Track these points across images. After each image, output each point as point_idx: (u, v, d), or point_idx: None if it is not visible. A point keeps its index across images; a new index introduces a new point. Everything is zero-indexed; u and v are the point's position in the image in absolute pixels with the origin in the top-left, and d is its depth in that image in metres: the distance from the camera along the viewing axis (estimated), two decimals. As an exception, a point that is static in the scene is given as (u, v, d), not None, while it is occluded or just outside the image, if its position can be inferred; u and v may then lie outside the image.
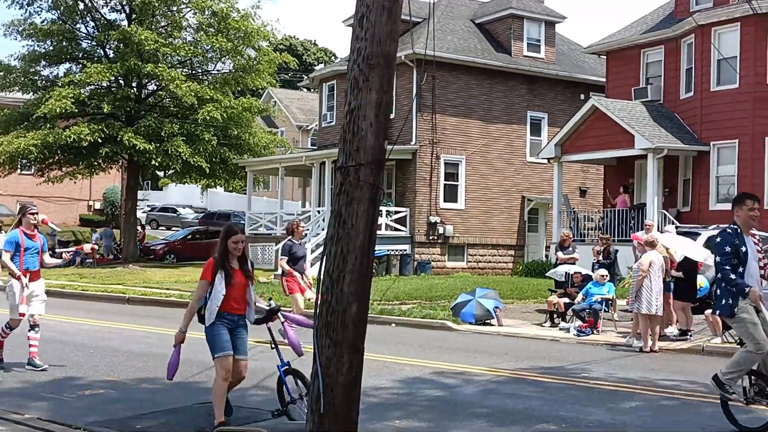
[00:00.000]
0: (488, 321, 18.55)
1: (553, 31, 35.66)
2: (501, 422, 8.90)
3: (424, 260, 31.55)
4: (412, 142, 31.65)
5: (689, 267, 16.59)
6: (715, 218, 24.50)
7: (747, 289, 8.06)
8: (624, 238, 24.84)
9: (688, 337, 16.24)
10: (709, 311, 15.76)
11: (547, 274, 22.10)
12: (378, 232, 21.70)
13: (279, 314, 8.48)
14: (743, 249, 8.18)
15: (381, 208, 30.37)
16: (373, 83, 5.30)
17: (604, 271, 18.09)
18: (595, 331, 17.21)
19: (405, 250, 31.33)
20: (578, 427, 8.71)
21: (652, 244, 15.53)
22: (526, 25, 34.73)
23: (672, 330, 16.67)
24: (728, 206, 25.56)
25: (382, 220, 30.27)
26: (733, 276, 8.08)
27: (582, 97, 33.36)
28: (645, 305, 15.02)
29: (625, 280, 21.46)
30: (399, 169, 32.36)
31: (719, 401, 8.59)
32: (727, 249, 8.18)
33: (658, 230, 19.67)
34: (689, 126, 27.02)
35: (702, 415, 9.50)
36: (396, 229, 31.15)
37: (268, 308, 8.42)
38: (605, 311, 17.84)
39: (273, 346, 8.42)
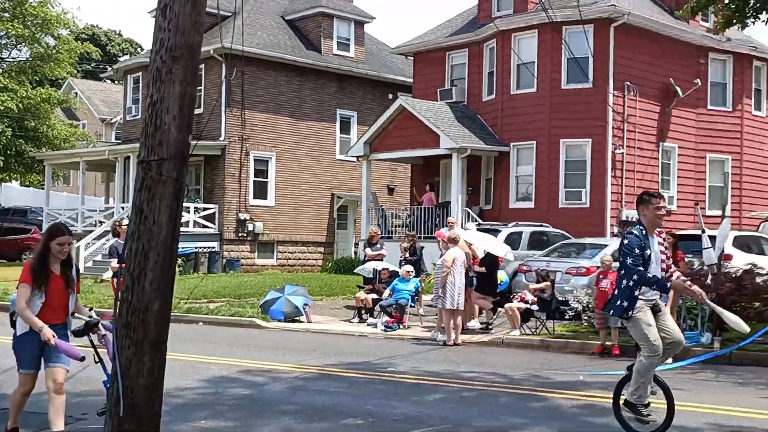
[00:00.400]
0: (297, 318, 18.56)
1: (362, 31, 36.12)
2: (309, 418, 8.90)
3: (233, 258, 31.14)
4: (221, 138, 31.15)
5: (491, 262, 17.25)
6: (514, 216, 25.67)
7: (669, 284, 7.90)
8: (430, 235, 25.52)
9: (490, 329, 16.89)
10: (509, 305, 16.48)
11: (355, 271, 22.39)
12: (186, 229, 21.29)
13: (99, 326, 7.66)
14: (647, 252, 7.87)
15: (189, 204, 29.73)
16: (177, 75, 5.14)
17: (410, 268, 18.50)
18: (401, 326, 17.57)
19: (213, 248, 30.80)
20: (384, 420, 8.85)
21: (454, 241, 16.03)
22: (336, 23, 35.00)
23: (474, 323, 17.30)
24: (527, 204, 26.99)
25: (190, 217, 29.63)
26: (650, 275, 7.76)
27: (390, 96, 34.00)
28: (449, 300, 15.47)
29: (431, 276, 22.06)
30: (207, 165, 31.78)
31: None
32: (637, 251, 7.81)
33: (461, 227, 20.37)
34: (491, 127, 28.14)
35: (499, 405, 9.89)
36: (204, 226, 30.56)
37: (87, 320, 7.63)
38: (411, 306, 18.27)
39: (97, 359, 7.57)
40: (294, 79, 33.18)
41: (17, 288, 7.32)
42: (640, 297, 7.87)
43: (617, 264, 8.83)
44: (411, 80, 32.89)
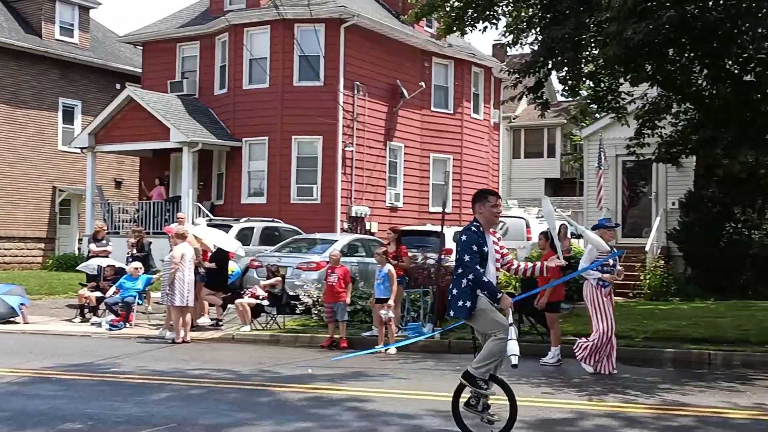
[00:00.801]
0: (12, 319, 17.39)
1: (87, 17, 34.44)
2: (22, 425, 8.33)
3: (-60, 255, 28.60)
4: (-74, 125, 28.49)
5: (221, 258, 17.07)
6: (247, 211, 25.60)
7: (499, 295, 7.57)
8: (160, 231, 24.85)
9: (220, 326, 16.72)
10: (239, 300, 16.40)
11: (78, 268, 21.30)
12: None
13: None
14: (485, 249, 7.70)
15: None
16: None
17: (137, 264, 17.93)
18: (128, 325, 16.98)
19: None
20: (106, 423, 8.47)
21: (182, 236, 15.69)
22: (59, 7, 33.12)
23: (205, 320, 17.05)
24: (259, 200, 26.97)
25: None
26: (485, 279, 7.54)
27: (118, 86, 32.71)
28: (178, 297, 15.14)
29: (159, 273, 21.49)
30: None
31: (450, 403, 7.92)
32: (474, 248, 7.61)
33: (191, 222, 20.00)
34: (223, 122, 27.85)
35: (227, 401, 9.79)
36: None
37: None
38: (139, 304, 17.69)
39: None
40: (10, 63, 30.98)
41: None
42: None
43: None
44: (140, 71, 31.81)
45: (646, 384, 11.03)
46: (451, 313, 7.90)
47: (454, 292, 7.69)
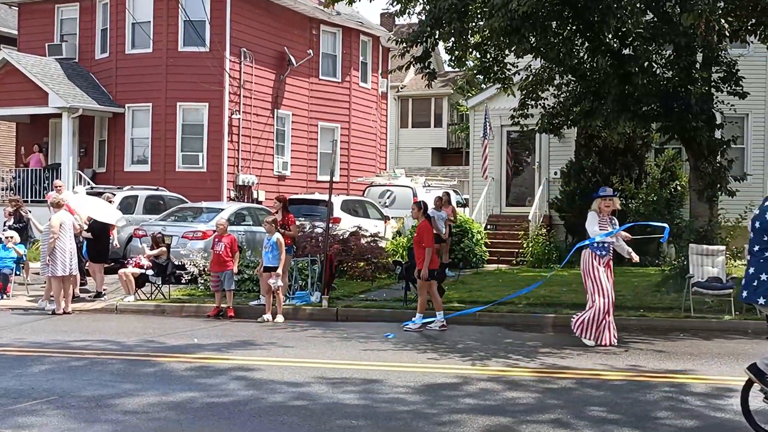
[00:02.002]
0: None
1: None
2: None
3: None
4: None
5: (100, 228, 16.58)
6: (130, 179, 24.99)
7: None
8: (39, 199, 24.05)
9: (103, 297, 16.33)
10: (123, 270, 16.06)
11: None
12: None
13: None
14: None
15: None
16: None
17: (11, 233, 17.26)
18: (5, 297, 16.41)
19: None
20: (-18, 397, 8.20)
21: (59, 205, 15.20)
22: (-73, -37, 31.33)
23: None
24: (143, 168, 26.42)
25: None
26: None
27: (-8, 48, 31.26)
28: (60, 267, 14.71)
29: (38, 242, 20.79)
30: None
31: (740, 401, 7.09)
32: None
33: (72, 191, 19.39)
34: (105, 87, 27.02)
35: (110, 372, 9.61)
36: None
37: None
38: (17, 275, 17.11)
39: None
40: None
41: None
42: None
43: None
44: (16, 32, 30.46)
45: (528, 348, 11.37)
46: (762, 301, 6.78)
47: (764, 277, 6.74)
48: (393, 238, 22.09)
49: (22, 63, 25.75)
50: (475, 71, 27.41)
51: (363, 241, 18.53)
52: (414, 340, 12.18)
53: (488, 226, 24.42)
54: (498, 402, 8.20)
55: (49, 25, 28.59)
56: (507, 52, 16.09)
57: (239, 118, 26.37)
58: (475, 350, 11.21)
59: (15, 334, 12.53)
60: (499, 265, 22.58)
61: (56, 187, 18.02)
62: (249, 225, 19.84)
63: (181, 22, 25.81)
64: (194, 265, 16.67)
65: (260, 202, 25.62)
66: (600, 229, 11.68)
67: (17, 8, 30.12)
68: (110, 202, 17.81)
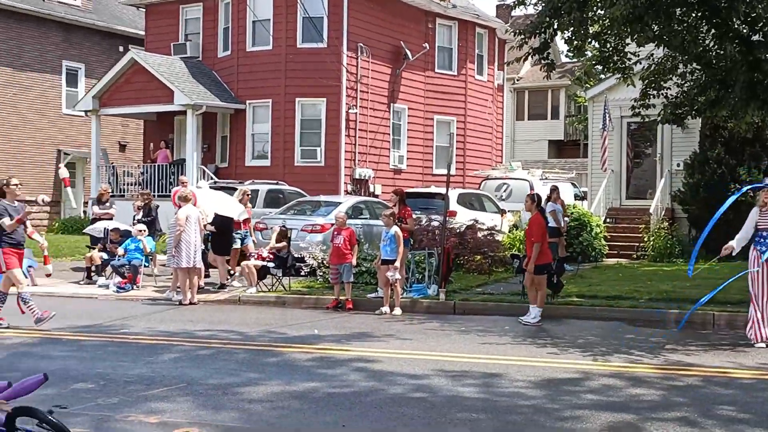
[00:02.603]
0: (20, 281, 17.43)
1: (89, -22, 34.21)
2: (34, 386, 8.41)
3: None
4: (-70, 88, 28.46)
5: (223, 222, 17.05)
6: (251, 174, 25.61)
7: None
8: (165, 194, 24.88)
9: (226, 288, 16.80)
10: (245, 263, 16.49)
11: (84, 231, 21.37)
12: None
13: None
14: None
15: None
16: None
17: (141, 227, 17.97)
18: (135, 287, 17.07)
19: None
20: (117, 383, 8.56)
21: (186, 199, 15.68)
22: (61, -31, 32.89)
23: (235, 283, 17.11)
24: (263, 162, 26.99)
25: None
26: None
27: (121, 49, 32.56)
28: (185, 259, 15.20)
29: (165, 235, 21.56)
30: None
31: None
32: None
33: (196, 185, 20.00)
34: (227, 84, 27.76)
35: (235, 361, 9.89)
36: None
37: None
38: (145, 266, 17.77)
39: None
40: (12, 25, 30.81)
41: None
42: None
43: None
44: (143, 33, 31.63)
45: (651, 344, 11.11)
46: None
47: None
48: (509, 232, 21.93)
49: (149, 62, 26.71)
50: (593, 61, 26.80)
51: (479, 234, 18.47)
52: (532, 334, 12.07)
53: (607, 220, 23.95)
54: (621, 398, 8.04)
55: (174, 25, 29.56)
56: (628, 40, 15.69)
57: (356, 113, 26.64)
58: (595, 345, 11.02)
59: (145, 323, 13.03)
60: (619, 260, 22.12)
61: (181, 182, 18.63)
62: (366, 218, 20.04)
63: (300, 18, 26.26)
64: (313, 257, 16.96)
65: (377, 196, 25.84)
66: (760, 227, 11.06)
67: (144, 9, 31.24)
68: (247, 196, 17.99)
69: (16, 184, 12.32)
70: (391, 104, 28.34)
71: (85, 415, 7.29)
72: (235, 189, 21.33)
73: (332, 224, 16.33)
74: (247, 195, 17.99)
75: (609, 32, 15.45)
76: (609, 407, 7.64)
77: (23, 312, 12.25)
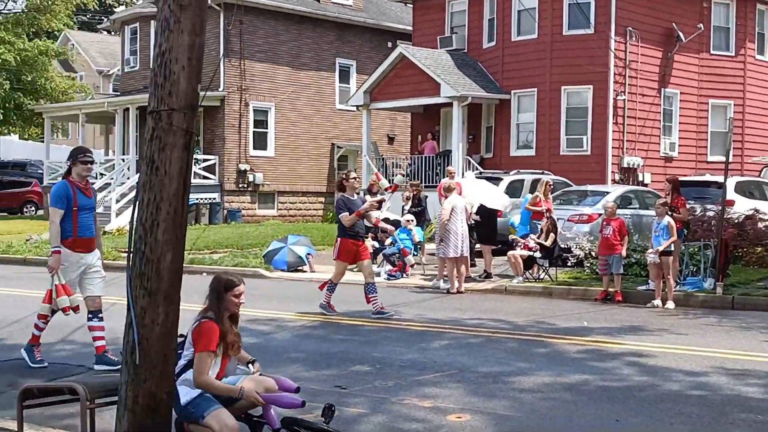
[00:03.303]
0: (300, 268, 18.63)
1: (360, -22, 35.74)
2: (317, 365, 9.00)
3: (234, 209, 31.18)
4: (220, 89, 31.02)
5: (488, 211, 17.21)
6: (515, 164, 25.64)
7: None
8: (432, 184, 25.50)
9: (492, 278, 16.96)
10: (512, 252, 16.56)
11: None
12: (187, 180, 20.54)
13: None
14: None
15: (189, 155, 29.61)
16: (185, 25, 5.09)
17: (410, 217, 18.53)
18: (404, 275, 17.66)
19: (214, 199, 30.83)
20: (392, 367, 8.93)
21: (449, 189, 15.92)
22: (335, -29, 34.61)
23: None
24: (528, 152, 26.92)
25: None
26: None
27: (389, 45, 33.72)
28: (452, 248, 15.49)
29: (432, 225, 22.10)
30: (207, 116, 31.64)
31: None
32: None
33: (461, 176, 20.34)
34: (492, 75, 27.95)
35: (505, 350, 9.98)
36: (205, 177, 30.56)
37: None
38: (414, 255, 18.32)
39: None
40: (292, 28, 32.90)
41: (196, 358, 5.70)
42: None
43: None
44: (410, 28, 32.56)
45: None
46: None
47: None
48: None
49: (416, 56, 27.47)
50: None
51: (760, 224, 17.33)
52: (750, 324, 11.18)
53: None
54: None
55: (440, 19, 30.17)
56: None
57: (624, 99, 25.86)
58: None
59: (415, 310, 13.46)
60: None
61: (449, 173, 19.01)
62: (635, 208, 19.43)
63: (566, 5, 25.88)
64: (580, 248, 16.71)
65: (646, 185, 24.95)
66: None
67: (411, 5, 32.15)
68: (549, 186, 17.97)
69: (355, 178, 13.01)
70: (662, 89, 27.21)
71: (364, 396, 7.67)
72: (500, 179, 21.52)
73: (599, 214, 15.99)
74: (549, 185, 17.94)
75: None
76: None
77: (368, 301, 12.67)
